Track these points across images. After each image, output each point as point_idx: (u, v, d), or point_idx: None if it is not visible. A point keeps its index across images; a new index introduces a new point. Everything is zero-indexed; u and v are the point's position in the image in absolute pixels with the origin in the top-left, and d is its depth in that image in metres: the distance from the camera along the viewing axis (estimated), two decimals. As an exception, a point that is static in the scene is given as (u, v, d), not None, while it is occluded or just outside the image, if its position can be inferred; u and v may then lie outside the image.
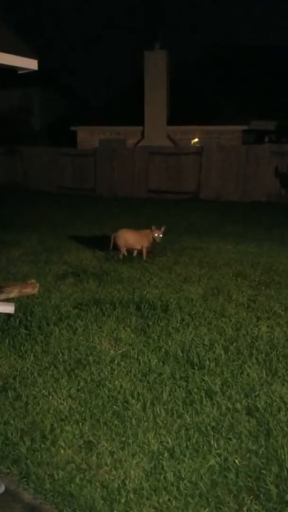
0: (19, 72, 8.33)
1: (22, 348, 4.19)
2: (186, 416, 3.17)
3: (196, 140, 20.87)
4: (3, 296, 5.10)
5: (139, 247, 7.69)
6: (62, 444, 2.89)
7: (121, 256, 7.64)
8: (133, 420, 3.13)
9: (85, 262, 7.33)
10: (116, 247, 7.71)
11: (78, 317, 4.96)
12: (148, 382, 3.62)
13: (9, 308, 4.36)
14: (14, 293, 5.31)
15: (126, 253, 7.72)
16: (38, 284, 5.69)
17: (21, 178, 20.94)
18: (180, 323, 4.79)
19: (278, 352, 4.13)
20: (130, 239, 7.65)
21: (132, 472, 2.65)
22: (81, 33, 64.09)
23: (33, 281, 5.72)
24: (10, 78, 12.10)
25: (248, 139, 21.08)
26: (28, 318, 4.85)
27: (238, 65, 25.22)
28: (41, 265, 7.07)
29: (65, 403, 3.32)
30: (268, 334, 4.55)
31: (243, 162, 16.92)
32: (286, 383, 3.61)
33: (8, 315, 4.75)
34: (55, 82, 30.78)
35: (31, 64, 8.08)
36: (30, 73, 8.55)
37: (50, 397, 3.40)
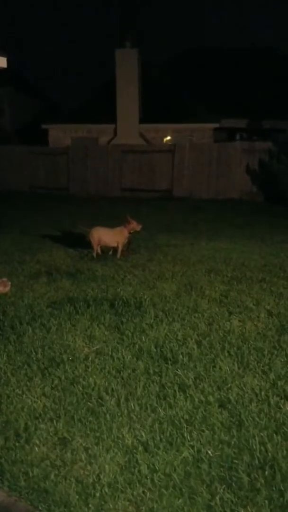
0: (-12, 70, 8.22)
1: (-5, 348, 4.16)
2: (160, 410, 3.21)
3: (168, 138, 20.98)
4: (-25, 296, 5.04)
5: (113, 244, 7.63)
6: (37, 441, 2.89)
7: (94, 254, 7.60)
8: (107, 415, 3.15)
9: (59, 261, 7.30)
10: (89, 245, 7.67)
11: (52, 316, 4.94)
12: (122, 378, 3.65)
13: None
14: None
15: (100, 251, 7.69)
16: (10, 283, 5.64)
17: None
18: (154, 319, 4.83)
19: (249, 346, 4.21)
20: (104, 236, 7.60)
21: (106, 466, 2.68)
22: (52, 31, 63.49)
23: (4, 279, 5.67)
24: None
25: (219, 137, 21.29)
26: (0, 318, 4.82)
27: (209, 65, 25.45)
28: (13, 265, 7.01)
29: (39, 401, 3.31)
30: (240, 328, 4.64)
31: (215, 160, 17.09)
32: (257, 376, 3.70)
33: (-20, 316, 4.71)
34: (26, 83, 30.38)
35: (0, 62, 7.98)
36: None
37: (24, 395, 3.39)
